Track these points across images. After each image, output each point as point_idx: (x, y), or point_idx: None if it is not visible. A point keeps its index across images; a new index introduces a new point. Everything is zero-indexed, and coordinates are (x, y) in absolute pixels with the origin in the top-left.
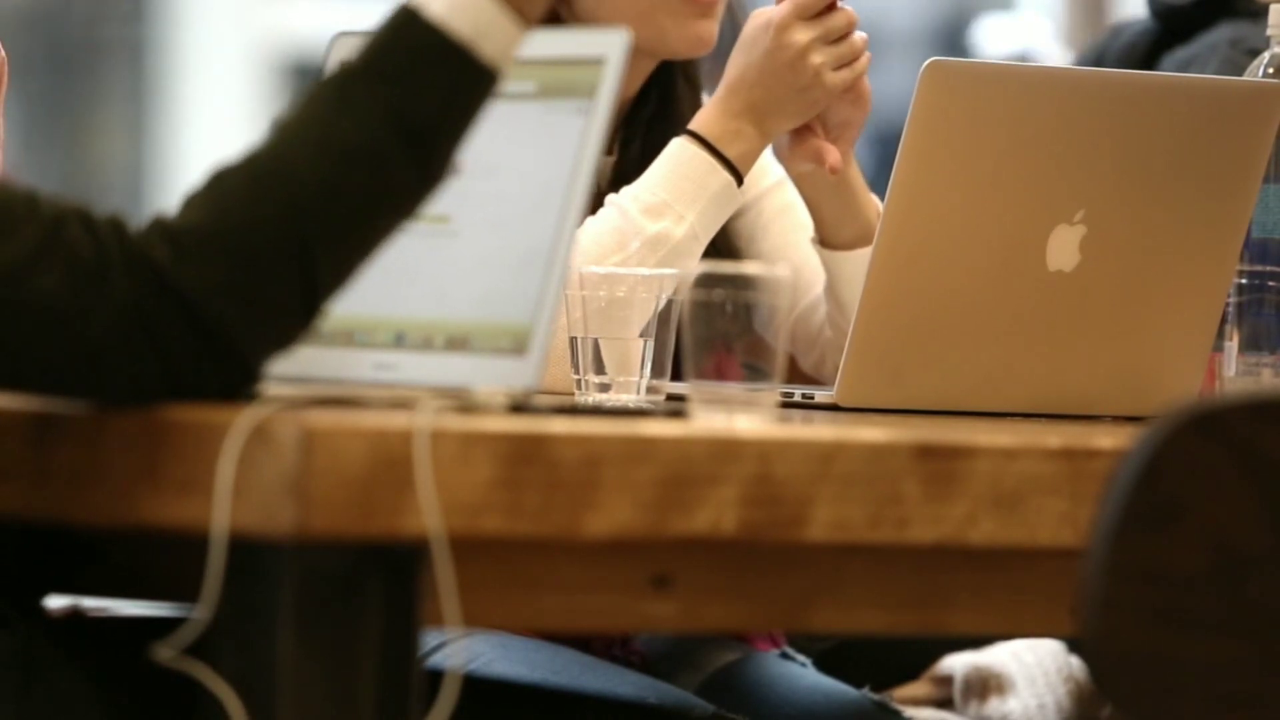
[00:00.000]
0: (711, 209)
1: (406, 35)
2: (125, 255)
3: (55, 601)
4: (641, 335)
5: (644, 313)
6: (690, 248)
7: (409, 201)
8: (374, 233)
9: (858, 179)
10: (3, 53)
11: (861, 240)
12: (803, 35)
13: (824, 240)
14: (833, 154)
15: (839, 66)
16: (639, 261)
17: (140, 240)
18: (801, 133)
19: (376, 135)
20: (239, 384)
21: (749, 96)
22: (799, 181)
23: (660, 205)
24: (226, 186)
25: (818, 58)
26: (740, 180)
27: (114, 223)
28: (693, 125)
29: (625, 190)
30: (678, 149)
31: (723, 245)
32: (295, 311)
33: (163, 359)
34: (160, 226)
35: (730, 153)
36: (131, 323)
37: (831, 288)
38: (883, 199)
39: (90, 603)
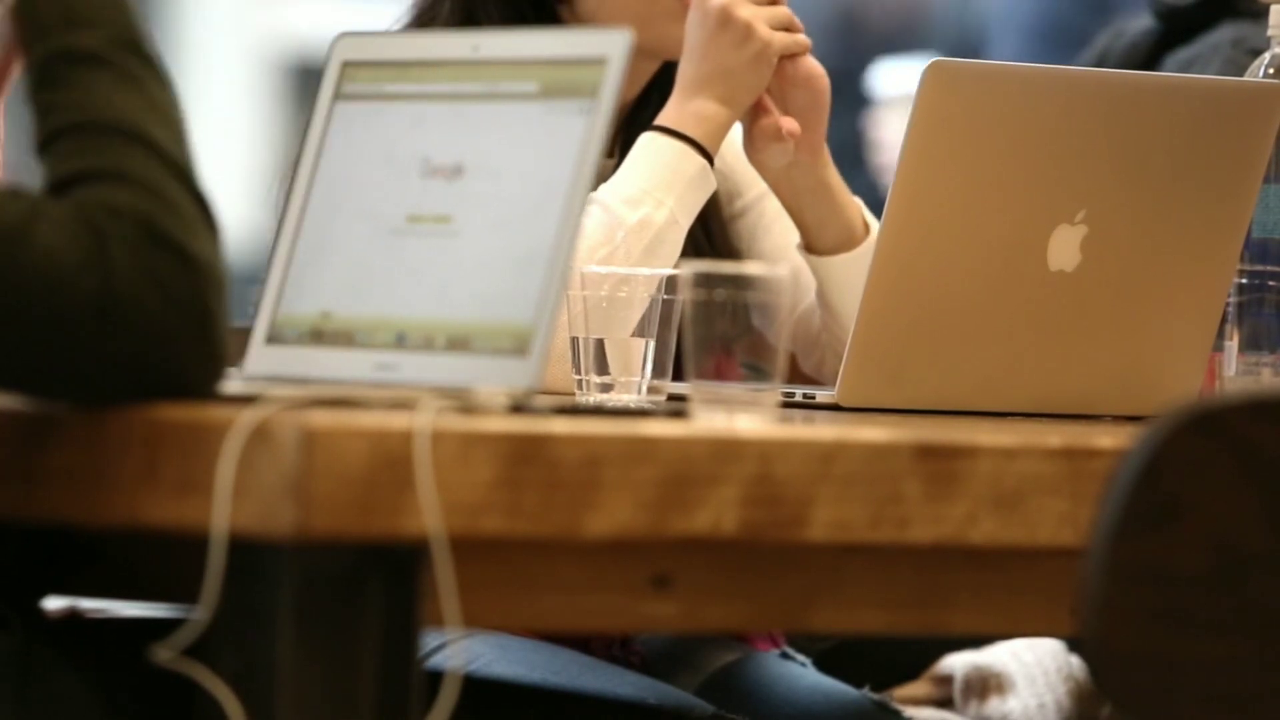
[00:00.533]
0: (689, 193)
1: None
2: (108, 219)
3: (53, 603)
4: (643, 335)
5: (646, 312)
6: (672, 233)
7: (179, 110)
8: (187, 141)
9: (836, 182)
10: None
11: (845, 244)
12: None
13: (809, 246)
14: (788, 122)
15: (776, 29)
16: (626, 251)
17: (112, 204)
18: (756, 115)
19: (128, 68)
20: (224, 308)
21: (697, 73)
22: (776, 187)
23: (638, 194)
24: (85, 161)
25: (744, 11)
26: (712, 161)
27: (83, 205)
28: (657, 121)
29: (603, 188)
30: (647, 141)
31: (724, 246)
32: (206, 216)
33: (171, 303)
34: (94, 203)
35: (697, 134)
36: (135, 275)
37: (821, 293)
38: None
39: (88, 604)
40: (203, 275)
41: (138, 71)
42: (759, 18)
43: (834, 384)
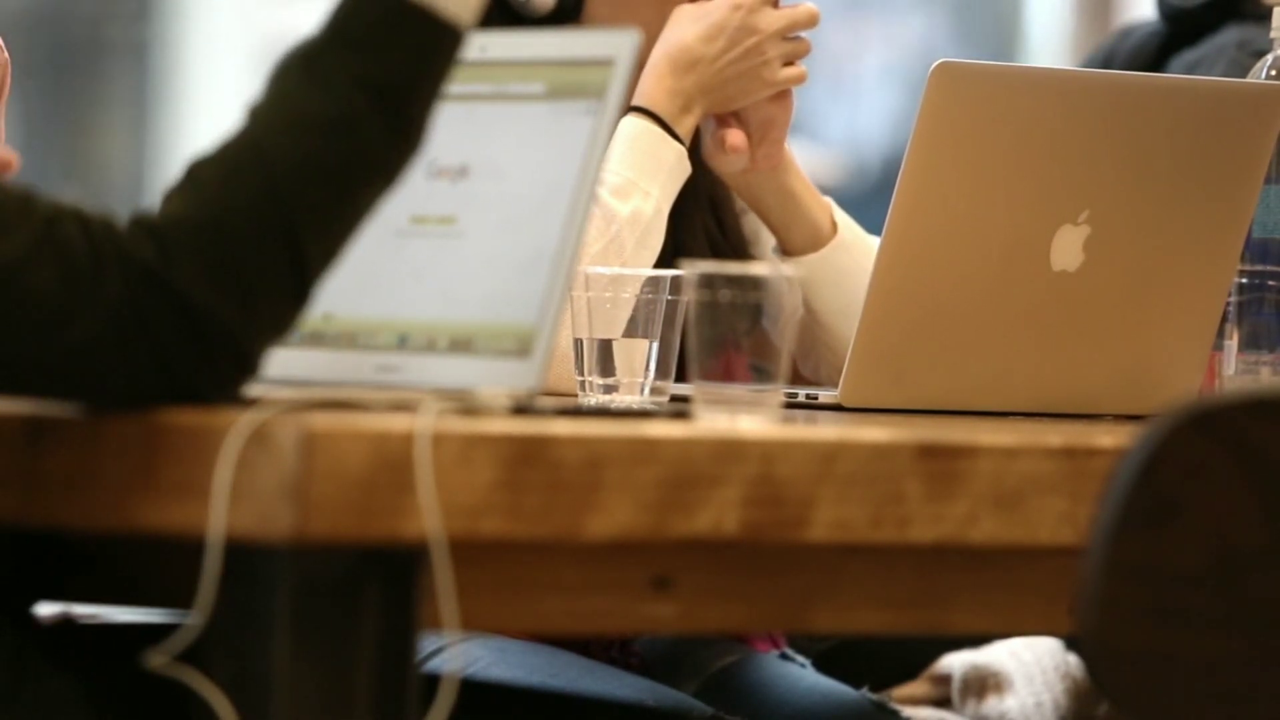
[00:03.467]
0: (670, 181)
1: (367, 2)
2: (118, 253)
3: (46, 608)
4: (646, 336)
5: (649, 312)
6: (659, 222)
7: (388, 168)
8: (356, 204)
9: (799, 186)
10: (5, 55)
11: (812, 245)
12: (769, 24)
13: (781, 247)
14: (734, 135)
15: (785, 63)
16: (620, 245)
17: (128, 238)
18: (715, 123)
19: (347, 104)
20: (237, 378)
21: (700, 76)
22: (736, 190)
23: (626, 184)
24: (203, 177)
25: (773, 50)
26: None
27: (106, 221)
28: (641, 101)
29: None
30: (630, 126)
31: (738, 239)
32: (287, 294)
33: (159, 356)
34: (142, 223)
35: (680, 130)
36: (126, 321)
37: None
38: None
39: (82, 609)
40: (201, 334)
41: (362, 122)
42: (779, 59)
43: (836, 386)
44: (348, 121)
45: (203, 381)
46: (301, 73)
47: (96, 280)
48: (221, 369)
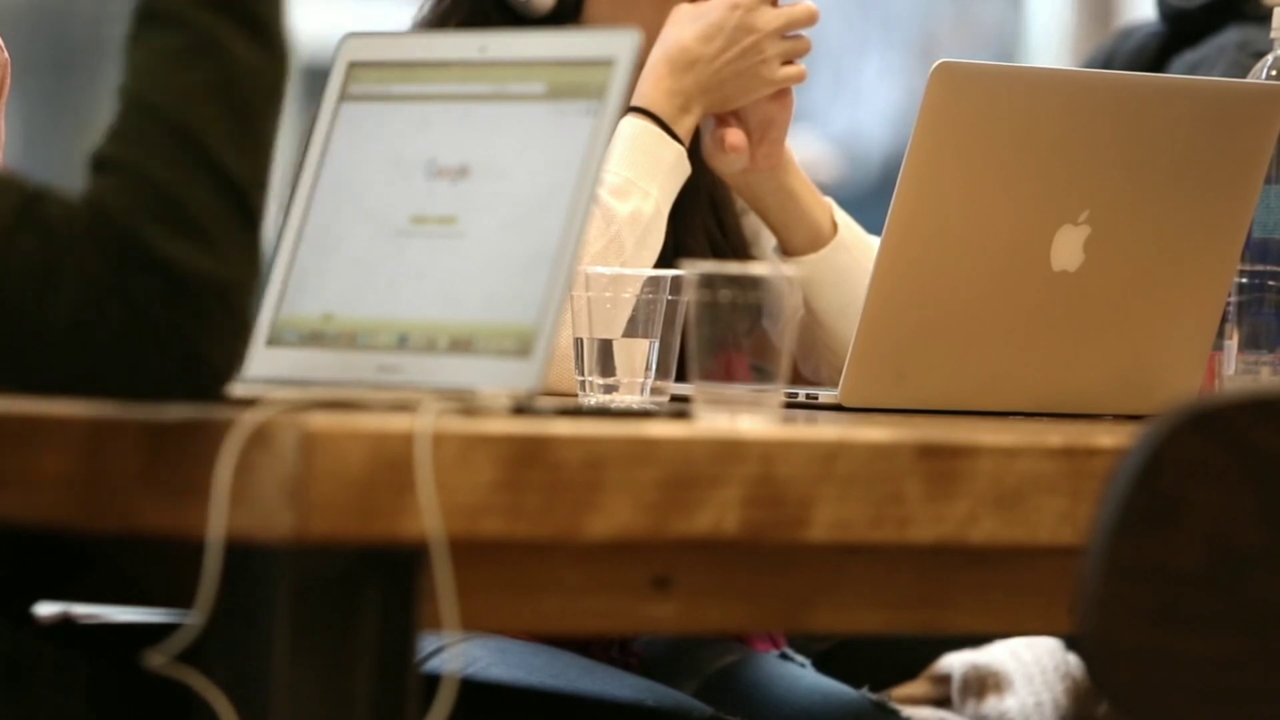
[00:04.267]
0: (669, 181)
1: None
2: (93, 224)
3: (46, 608)
4: (647, 336)
5: (649, 312)
6: (658, 222)
7: (265, 77)
8: (254, 117)
9: (799, 185)
10: (5, 55)
11: (812, 245)
12: (767, 22)
13: (781, 247)
14: (734, 135)
15: (785, 62)
16: (620, 245)
17: (96, 212)
18: (714, 121)
19: (199, 29)
20: (226, 323)
21: (698, 76)
22: (736, 190)
23: (625, 184)
24: (107, 152)
25: (772, 48)
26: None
27: (80, 199)
28: (640, 101)
29: None
30: (629, 127)
31: (738, 240)
32: (235, 220)
33: (141, 317)
34: (92, 201)
35: (680, 130)
36: (108, 287)
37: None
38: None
39: (81, 609)
40: (186, 294)
41: (219, 36)
42: (778, 57)
43: (836, 386)
44: (207, 43)
45: (196, 337)
46: (145, 23)
47: (78, 251)
48: (212, 318)
